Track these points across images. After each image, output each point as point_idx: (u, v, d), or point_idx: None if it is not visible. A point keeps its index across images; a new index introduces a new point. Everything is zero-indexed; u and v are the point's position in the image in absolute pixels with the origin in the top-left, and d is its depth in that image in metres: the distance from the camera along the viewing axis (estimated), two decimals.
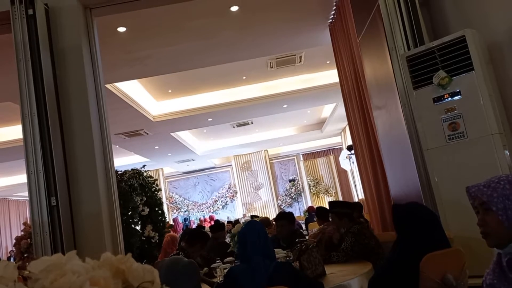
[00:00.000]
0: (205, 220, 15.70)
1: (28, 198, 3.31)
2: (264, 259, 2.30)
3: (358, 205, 6.57)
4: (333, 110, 12.13)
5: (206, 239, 3.65)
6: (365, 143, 5.37)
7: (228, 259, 3.46)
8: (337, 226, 3.69)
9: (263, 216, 14.73)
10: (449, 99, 3.02)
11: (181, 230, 12.70)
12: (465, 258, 2.33)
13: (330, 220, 4.05)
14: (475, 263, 2.49)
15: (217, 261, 3.62)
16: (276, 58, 8.14)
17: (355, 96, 5.49)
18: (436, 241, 2.25)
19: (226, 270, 2.76)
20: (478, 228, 2.72)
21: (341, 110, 9.22)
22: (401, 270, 2.22)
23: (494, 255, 1.85)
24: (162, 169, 17.49)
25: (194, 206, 18.30)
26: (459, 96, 2.98)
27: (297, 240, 3.30)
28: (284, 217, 4.39)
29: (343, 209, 3.72)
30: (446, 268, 2.17)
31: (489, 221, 1.40)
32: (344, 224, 3.64)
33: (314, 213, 8.10)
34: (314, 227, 7.66)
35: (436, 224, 2.31)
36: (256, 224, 2.46)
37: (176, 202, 18.32)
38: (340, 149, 16.23)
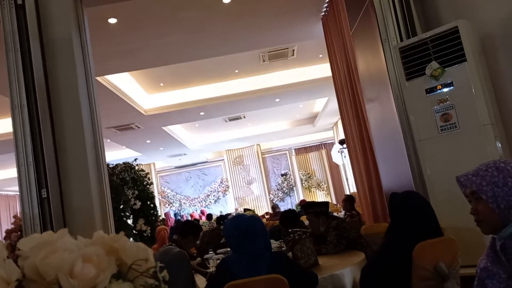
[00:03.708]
0: (199, 216, 15.68)
1: (18, 192, 3.27)
2: (265, 250, 2.33)
3: (350, 198, 6.62)
4: (326, 104, 12.14)
5: (199, 231, 3.64)
6: (357, 136, 5.38)
7: (221, 250, 3.47)
8: (315, 225, 3.72)
9: (253, 209, 14.77)
10: (442, 90, 3.03)
11: (172, 225, 12.70)
12: (458, 247, 2.34)
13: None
14: (466, 253, 2.50)
15: (210, 252, 3.62)
16: (269, 52, 8.12)
17: (348, 90, 5.49)
18: (429, 230, 2.25)
19: (218, 261, 2.76)
20: (470, 219, 2.73)
21: (333, 104, 9.23)
22: (393, 259, 2.23)
23: (486, 244, 1.86)
24: (154, 163, 17.42)
25: (186, 200, 18.27)
26: (452, 87, 2.99)
27: (290, 230, 3.31)
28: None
29: (319, 207, 3.76)
30: (438, 257, 2.18)
31: (480, 210, 1.42)
32: (322, 222, 3.68)
33: None
34: (306, 220, 7.68)
35: (429, 213, 2.32)
36: (257, 219, 2.48)
37: (168, 196, 18.27)
38: (332, 144, 16.26)
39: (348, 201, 6.54)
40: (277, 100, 10.58)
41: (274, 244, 3.33)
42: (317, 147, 18.76)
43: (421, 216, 2.28)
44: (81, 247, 0.57)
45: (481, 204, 1.40)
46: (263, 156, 18.18)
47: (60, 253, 0.55)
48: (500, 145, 2.86)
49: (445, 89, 3.02)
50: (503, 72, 2.98)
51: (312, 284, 2.43)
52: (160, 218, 7.48)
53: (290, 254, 2.94)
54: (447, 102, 3.00)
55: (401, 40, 3.42)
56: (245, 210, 11.85)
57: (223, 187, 18.18)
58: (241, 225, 2.36)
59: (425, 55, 3.10)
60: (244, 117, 12.33)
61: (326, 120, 14.37)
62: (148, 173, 7.53)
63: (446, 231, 2.76)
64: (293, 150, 18.70)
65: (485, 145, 2.85)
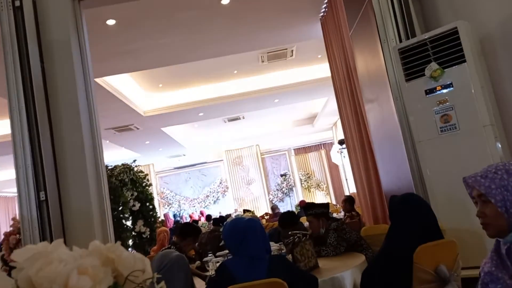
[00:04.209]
0: (199, 217, 15.67)
1: (16, 194, 3.26)
2: (265, 252, 2.32)
3: (350, 198, 6.61)
4: (325, 104, 12.12)
5: (198, 233, 3.63)
6: (357, 136, 5.38)
7: (220, 253, 3.45)
8: (316, 227, 3.70)
9: (253, 211, 14.75)
10: (441, 91, 3.01)
11: (172, 226, 12.69)
12: (458, 249, 2.33)
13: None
14: (466, 255, 2.50)
15: (209, 255, 3.61)
16: (268, 52, 8.10)
17: (347, 90, 5.49)
18: (429, 232, 2.24)
19: (218, 264, 2.75)
20: (470, 221, 2.72)
21: (333, 105, 9.22)
22: (394, 261, 2.21)
23: (486, 246, 1.84)
24: (153, 164, 17.40)
25: (186, 201, 18.24)
26: (451, 88, 2.98)
27: (289, 233, 3.30)
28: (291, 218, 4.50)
29: (319, 209, 3.75)
30: (439, 259, 2.17)
31: (488, 213, 1.38)
32: (322, 224, 3.67)
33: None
34: (305, 221, 7.67)
35: (429, 215, 2.31)
36: (256, 221, 2.47)
37: (167, 197, 18.24)
38: (331, 144, 16.25)
39: (348, 201, 6.53)
40: (276, 100, 10.57)
41: (274, 246, 3.31)
42: (316, 147, 18.74)
43: (421, 219, 2.27)
44: (76, 258, 0.56)
45: (489, 207, 1.37)
46: (262, 156, 18.15)
47: (55, 264, 0.54)
48: (500, 146, 2.85)
49: (445, 90, 3.00)
50: (503, 73, 2.97)
51: (312, 287, 2.41)
52: (159, 219, 7.46)
53: (290, 256, 2.93)
54: (447, 103, 2.99)
55: (400, 41, 3.41)
56: (244, 211, 11.83)
57: (222, 188, 18.15)
58: (240, 227, 2.35)
59: (425, 56, 3.09)
60: (243, 117, 12.31)
61: (325, 120, 14.35)
62: (147, 174, 7.51)
63: (446, 233, 2.76)
64: (293, 151, 18.68)
65: (485, 146, 2.83)
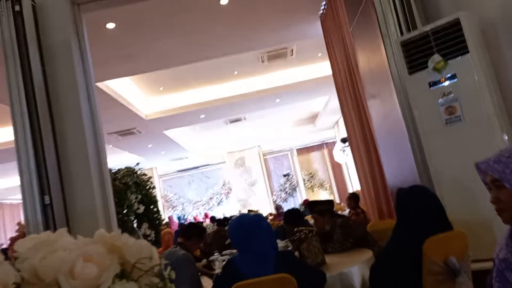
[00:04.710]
0: (203, 219, 15.67)
1: (21, 200, 3.25)
2: (272, 249, 2.30)
3: (354, 196, 6.58)
4: (326, 103, 12.10)
5: (203, 233, 3.62)
6: (360, 133, 5.35)
7: (226, 251, 3.44)
8: (321, 224, 3.68)
9: (257, 210, 14.72)
10: (445, 83, 2.99)
11: (176, 229, 12.69)
12: (468, 241, 2.30)
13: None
14: (475, 247, 2.47)
15: (215, 254, 3.59)
16: (268, 52, 8.09)
17: (349, 87, 5.46)
18: (437, 224, 2.22)
19: (224, 262, 2.74)
20: (478, 212, 2.69)
21: (334, 103, 9.20)
22: (403, 255, 2.19)
23: (495, 238, 1.80)
24: (156, 168, 17.42)
25: (189, 204, 18.25)
26: (455, 80, 2.95)
27: (295, 229, 3.28)
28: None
29: (324, 206, 3.73)
30: (449, 251, 2.14)
31: (503, 198, 1.35)
32: (327, 221, 3.65)
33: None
34: (309, 220, 7.65)
35: (436, 206, 2.29)
36: (262, 217, 2.45)
37: (171, 200, 18.25)
38: (334, 143, 16.21)
39: (353, 199, 6.51)
40: (277, 100, 10.55)
41: (280, 243, 3.30)
42: (318, 146, 18.71)
43: (428, 211, 2.25)
44: (81, 246, 0.54)
45: (504, 192, 1.34)
46: (264, 157, 18.14)
47: (59, 253, 0.52)
48: (506, 136, 2.82)
49: (449, 82, 2.98)
50: (506, 63, 2.94)
51: (320, 282, 2.39)
52: (164, 222, 7.45)
53: (296, 253, 2.91)
54: (451, 95, 2.96)
55: (402, 33, 3.38)
56: (248, 211, 11.83)
57: (225, 189, 18.14)
58: (246, 223, 2.33)
59: (427, 48, 3.06)
60: (245, 118, 12.30)
61: (327, 119, 14.33)
62: (150, 177, 7.51)
63: (453, 224, 2.73)
64: (295, 151, 18.66)
65: (491, 136, 2.81)
